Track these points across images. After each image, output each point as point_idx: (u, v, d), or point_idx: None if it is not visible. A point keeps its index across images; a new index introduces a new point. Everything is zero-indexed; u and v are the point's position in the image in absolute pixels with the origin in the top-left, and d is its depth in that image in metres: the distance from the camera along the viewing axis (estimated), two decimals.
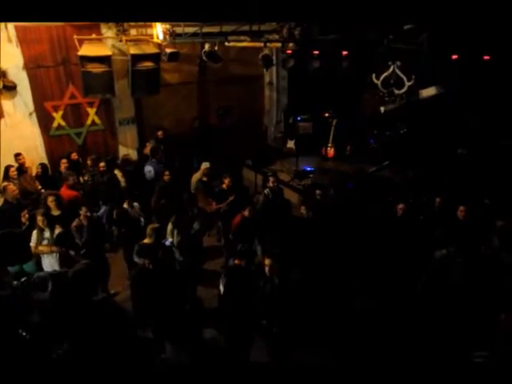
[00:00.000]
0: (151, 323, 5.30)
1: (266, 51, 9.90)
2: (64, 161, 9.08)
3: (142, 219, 7.59)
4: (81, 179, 8.96)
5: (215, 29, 9.78)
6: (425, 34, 8.44)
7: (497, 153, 9.54)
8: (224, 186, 8.42)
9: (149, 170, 9.45)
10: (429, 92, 9.73)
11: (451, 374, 4.54)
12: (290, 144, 11.94)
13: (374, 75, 9.66)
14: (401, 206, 7.17)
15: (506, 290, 5.60)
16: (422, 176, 9.38)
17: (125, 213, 7.53)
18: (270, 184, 8.23)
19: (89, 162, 9.36)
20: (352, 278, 6.58)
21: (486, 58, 8.21)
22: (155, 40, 9.34)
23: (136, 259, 6.43)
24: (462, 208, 6.88)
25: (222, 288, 5.71)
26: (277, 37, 10.24)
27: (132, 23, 9.71)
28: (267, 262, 5.52)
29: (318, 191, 8.04)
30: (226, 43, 9.89)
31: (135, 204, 7.74)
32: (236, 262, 5.88)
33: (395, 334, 5.66)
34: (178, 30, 9.29)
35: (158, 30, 9.10)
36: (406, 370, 5.07)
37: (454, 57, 8.46)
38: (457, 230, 6.77)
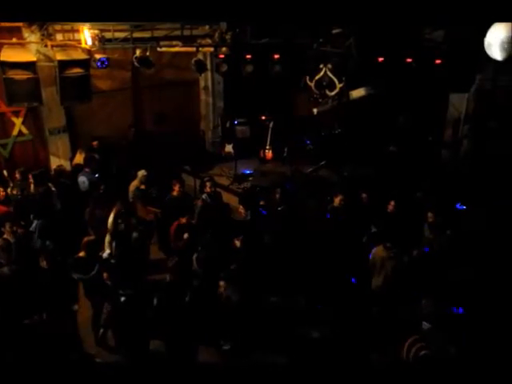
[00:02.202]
0: None
1: (199, 56, 9.86)
2: None
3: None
4: (8, 191, 8.43)
5: (146, 34, 9.61)
6: (352, 37, 8.82)
7: (424, 149, 10.11)
8: (174, 193, 8.11)
9: (83, 180, 9.06)
10: (358, 93, 10.16)
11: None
12: (228, 148, 11.98)
13: (307, 77, 9.96)
14: (340, 197, 7.44)
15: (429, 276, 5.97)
16: (356, 174, 9.73)
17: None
18: (207, 189, 8.17)
19: (17, 176, 8.82)
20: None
21: (409, 60, 8.71)
22: (84, 45, 8.99)
23: (72, 274, 6.17)
24: (392, 203, 7.21)
25: (155, 301, 5.72)
26: (209, 41, 10.22)
27: (58, 27, 9.31)
28: (221, 283, 5.74)
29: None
30: (158, 48, 9.74)
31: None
32: (171, 277, 5.87)
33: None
34: (108, 35, 9.02)
35: (86, 35, 8.77)
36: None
37: (380, 59, 8.89)
38: (389, 225, 7.09)
